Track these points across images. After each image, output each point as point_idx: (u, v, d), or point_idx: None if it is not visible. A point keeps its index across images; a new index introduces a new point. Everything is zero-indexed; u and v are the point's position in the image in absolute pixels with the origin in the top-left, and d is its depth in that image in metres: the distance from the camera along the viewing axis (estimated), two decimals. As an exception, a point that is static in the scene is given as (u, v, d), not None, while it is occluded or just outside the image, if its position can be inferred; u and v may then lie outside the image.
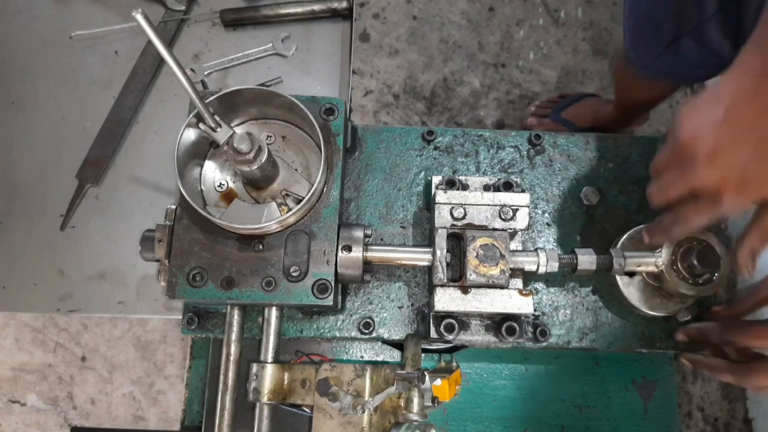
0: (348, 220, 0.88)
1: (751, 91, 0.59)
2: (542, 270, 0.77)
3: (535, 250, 0.77)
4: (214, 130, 0.70)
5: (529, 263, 0.77)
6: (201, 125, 0.71)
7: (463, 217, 0.77)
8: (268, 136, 0.82)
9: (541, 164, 0.92)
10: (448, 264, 0.76)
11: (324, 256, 0.75)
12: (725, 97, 0.60)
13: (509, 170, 0.91)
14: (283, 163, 0.79)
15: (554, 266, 0.77)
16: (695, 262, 0.76)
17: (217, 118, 0.70)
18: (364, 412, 0.72)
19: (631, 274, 0.82)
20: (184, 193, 0.71)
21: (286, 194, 0.79)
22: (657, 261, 0.77)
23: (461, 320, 0.79)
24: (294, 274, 0.73)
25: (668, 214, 0.71)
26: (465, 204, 0.77)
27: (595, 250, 0.79)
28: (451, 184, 0.83)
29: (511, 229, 0.77)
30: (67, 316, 1.82)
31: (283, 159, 0.80)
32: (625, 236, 0.83)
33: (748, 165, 0.59)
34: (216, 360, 0.98)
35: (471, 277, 0.74)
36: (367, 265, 0.78)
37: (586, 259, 0.78)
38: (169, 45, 1.14)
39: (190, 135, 0.75)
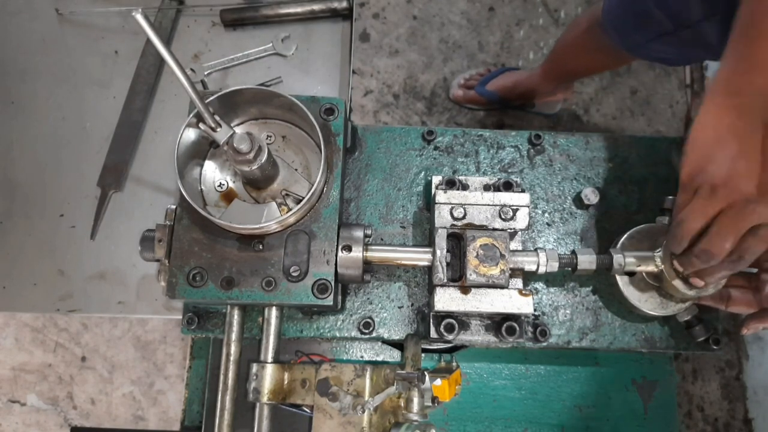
0: (348, 220, 0.88)
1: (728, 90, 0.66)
2: (542, 270, 0.76)
3: (535, 250, 0.77)
4: (214, 130, 0.70)
5: (529, 263, 0.77)
6: (201, 125, 0.71)
7: (463, 217, 0.77)
8: (268, 136, 0.82)
9: (541, 164, 0.92)
10: (448, 264, 0.76)
11: (324, 256, 0.75)
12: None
13: (509, 170, 0.91)
14: (283, 163, 0.79)
15: (554, 266, 0.77)
16: None
17: (217, 118, 0.70)
18: (364, 412, 0.72)
19: (631, 274, 0.82)
20: (184, 193, 0.71)
21: (286, 194, 0.79)
22: (657, 261, 0.77)
23: (461, 320, 0.79)
24: (294, 274, 0.73)
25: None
26: (465, 204, 0.77)
27: (595, 250, 0.79)
28: (451, 184, 0.83)
29: (511, 229, 0.77)
30: (67, 316, 1.82)
31: (283, 159, 0.80)
32: (625, 236, 0.83)
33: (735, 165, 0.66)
34: (216, 360, 0.98)
35: (471, 277, 0.74)
36: (367, 265, 0.78)
37: (586, 259, 0.78)
38: (168, 41, 1.14)
39: (190, 135, 0.75)
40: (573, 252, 0.79)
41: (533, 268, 0.77)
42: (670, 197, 0.85)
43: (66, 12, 1.15)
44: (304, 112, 0.75)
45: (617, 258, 0.77)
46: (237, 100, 0.77)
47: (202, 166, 0.80)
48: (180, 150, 0.72)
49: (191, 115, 0.72)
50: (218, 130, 0.70)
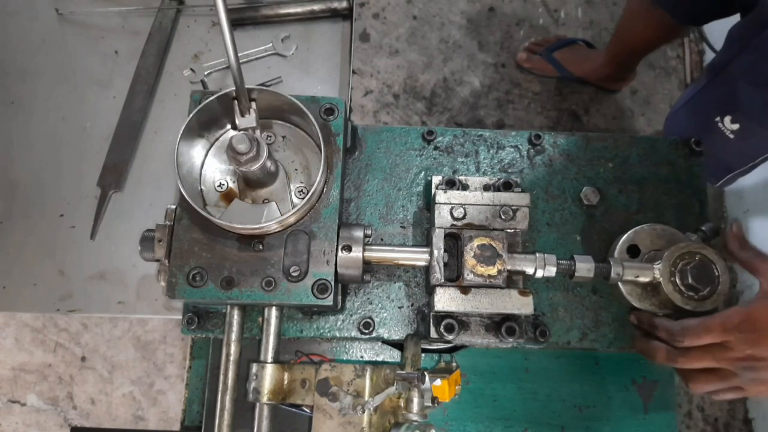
0: (348, 220, 0.88)
1: None
2: (540, 274, 0.76)
3: (533, 253, 0.77)
4: (242, 114, 0.71)
5: (527, 266, 0.76)
6: (235, 103, 0.72)
7: (463, 217, 0.77)
8: (268, 136, 0.82)
9: (541, 164, 0.92)
10: (445, 264, 0.76)
11: (324, 256, 0.75)
12: None
13: (509, 170, 0.91)
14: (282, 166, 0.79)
15: (552, 271, 0.76)
16: (692, 277, 0.75)
17: (252, 105, 0.72)
18: (364, 412, 0.72)
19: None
20: (184, 193, 0.71)
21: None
22: (655, 273, 0.77)
23: (461, 320, 0.79)
24: (294, 274, 0.73)
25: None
26: (465, 204, 0.77)
27: (595, 250, 0.78)
28: (451, 184, 0.83)
29: (511, 229, 0.76)
30: (67, 316, 1.82)
31: (282, 159, 0.80)
32: (621, 240, 0.83)
33: None
34: (216, 360, 0.98)
35: (468, 277, 0.74)
36: (367, 265, 0.78)
37: (584, 267, 0.77)
38: (168, 41, 1.14)
39: (191, 136, 0.75)
40: (572, 258, 0.78)
41: (531, 271, 0.76)
42: (710, 224, 0.83)
43: (66, 12, 1.15)
44: (304, 112, 0.75)
45: (615, 268, 0.76)
46: (237, 100, 0.77)
47: (202, 166, 0.80)
48: (180, 150, 0.72)
49: (190, 117, 0.72)
50: (245, 115, 0.71)
